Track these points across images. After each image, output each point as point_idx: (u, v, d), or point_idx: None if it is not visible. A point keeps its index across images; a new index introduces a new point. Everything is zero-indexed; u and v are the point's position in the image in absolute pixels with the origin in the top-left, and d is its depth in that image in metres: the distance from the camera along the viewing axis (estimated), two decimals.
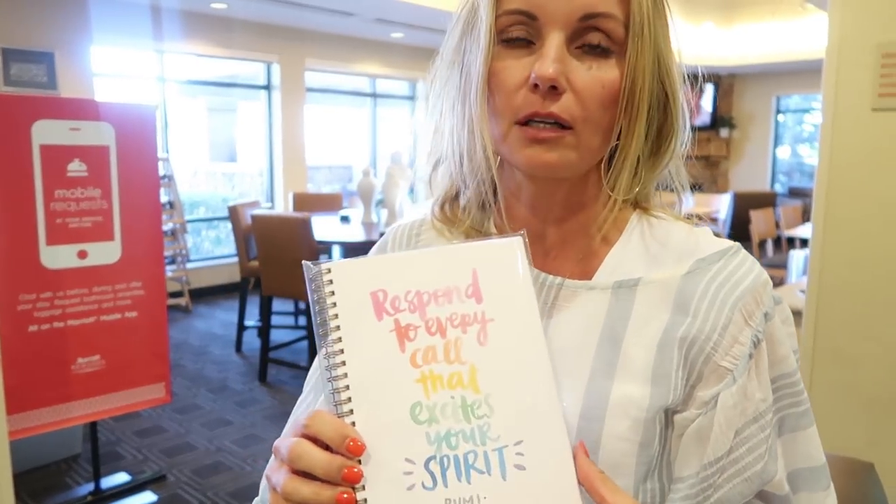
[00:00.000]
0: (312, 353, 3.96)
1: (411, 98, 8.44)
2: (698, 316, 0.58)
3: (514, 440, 0.47)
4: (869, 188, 2.09)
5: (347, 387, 0.48)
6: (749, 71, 9.94)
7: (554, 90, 0.55)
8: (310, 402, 0.71)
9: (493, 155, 0.60)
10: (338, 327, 0.49)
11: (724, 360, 0.57)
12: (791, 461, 0.60)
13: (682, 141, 0.64)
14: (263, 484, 0.69)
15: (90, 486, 2.76)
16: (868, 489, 1.08)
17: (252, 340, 4.86)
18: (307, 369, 4.12)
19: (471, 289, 0.50)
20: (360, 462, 0.47)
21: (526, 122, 0.57)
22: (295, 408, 0.73)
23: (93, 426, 2.72)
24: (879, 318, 2.08)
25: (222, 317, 5.78)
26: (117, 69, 5.89)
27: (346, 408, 0.48)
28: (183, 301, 5.92)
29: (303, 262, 0.51)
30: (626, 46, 0.56)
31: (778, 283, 5.57)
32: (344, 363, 0.49)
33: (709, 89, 10.27)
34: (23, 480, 2.81)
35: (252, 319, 4.94)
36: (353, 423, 0.48)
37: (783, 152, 10.65)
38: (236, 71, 7.17)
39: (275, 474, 0.48)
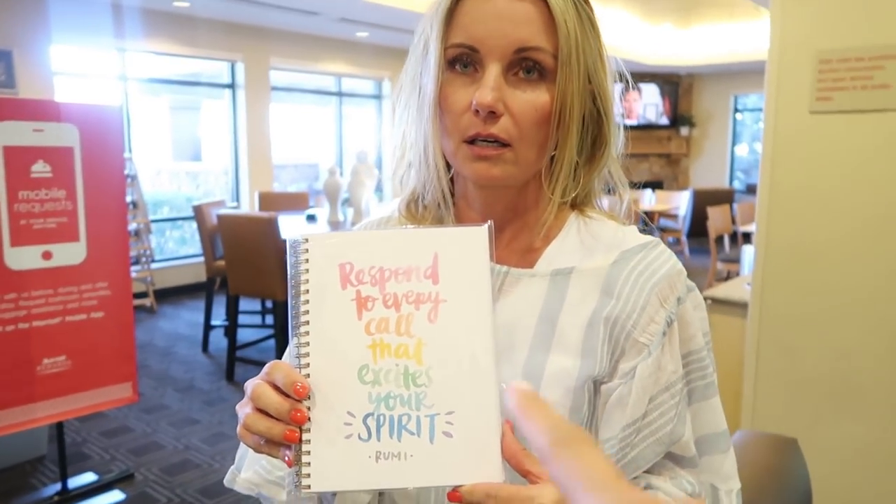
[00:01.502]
0: (280, 351, 4.00)
1: (377, 97, 8.47)
2: (621, 298, 0.67)
3: (445, 410, 0.54)
4: (808, 187, 2.22)
5: (308, 343, 0.55)
6: (707, 70, 10.20)
7: (493, 114, 0.64)
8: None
9: (444, 168, 0.70)
10: (307, 290, 0.56)
11: (641, 337, 0.66)
12: (698, 428, 0.70)
13: (617, 148, 0.73)
14: (240, 452, 0.76)
15: (57, 487, 2.77)
16: (791, 461, 1.19)
17: (218, 340, 4.87)
18: None
19: (430, 270, 0.56)
20: (308, 409, 0.54)
21: (472, 141, 0.65)
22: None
23: (59, 426, 2.73)
24: (817, 310, 2.21)
25: (187, 317, 5.76)
26: (78, 68, 5.82)
27: (304, 361, 0.55)
28: (148, 301, 5.89)
29: (286, 237, 0.58)
30: (556, 73, 0.64)
31: (734, 276, 5.77)
32: (308, 322, 0.56)
33: (668, 89, 10.51)
34: None
35: (218, 319, 4.94)
36: (308, 375, 0.55)
37: (741, 150, 10.95)
38: (199, 69, 7.12)
39: (241, 409, 0.57)
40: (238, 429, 0.58)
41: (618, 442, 0.65)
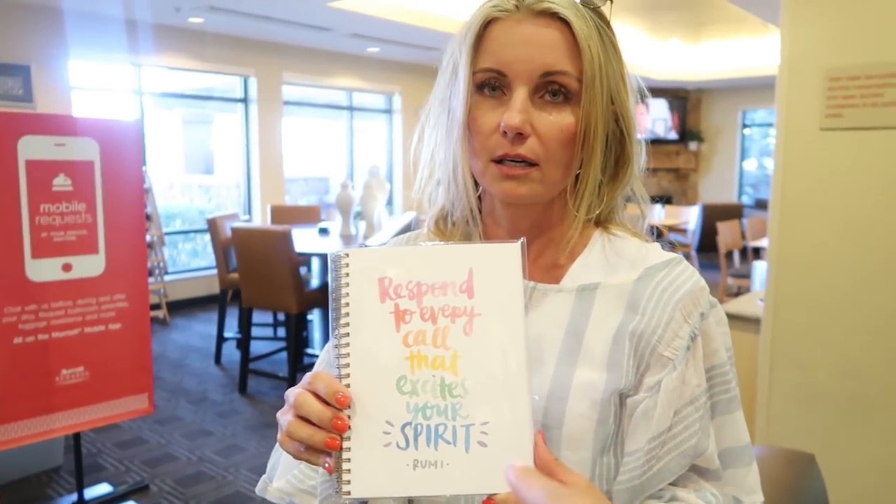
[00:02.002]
0: (292, 363, 4.02)
1: (387, 111, 8.54)
2: (646, 314, 0.70)
3: (481, 420, 0.56)
4: (820, 203, 2.24)
5: (348, 354, 0.58)
6: (716, 86, 10.24)
7: (520, 136, 0.67)
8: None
9: (472, 186, 0.73)
10: (347, 304, 0.59)
11: (666, 351, 0.68)
12: (721, 441, 0.72)
13: (639, 167, 0.75)
14: (271, 462, 0.79)
15: (73, 497, 2.79)
16: (809, 477, 1.20)
17: (231, 352, 4.90)
18: (287, 380, 4.17)
19: (465, 285, 0.58)
20: (348, 417, 0.56)
21: (499, 161, 0.68)
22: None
23: (76, 437, 2.75)
24: (830, 326, 2.22)
25: (200, 329, 5.80)
26: (94, 82, 5.91)
27: (344, 371, 0.58)
28: (161, 313, 5.93)
29: (328, 251, 0.60)
30: (580, 96, 0.67)
31: (744, 292, 5.76)
32: (348, 334, 0.58)
33: (677, 104, 10.54)
34: (5, 492, 2.83)
35: (230, 331, 4.97)
36: (348, 385, 0.57)
37: (750, 165, 10.95)
38: (212, 84, 7.21)
39: (283, 416, 0.59)
40: (279, 435, 0.60)
41: (644, 454, 0.67)
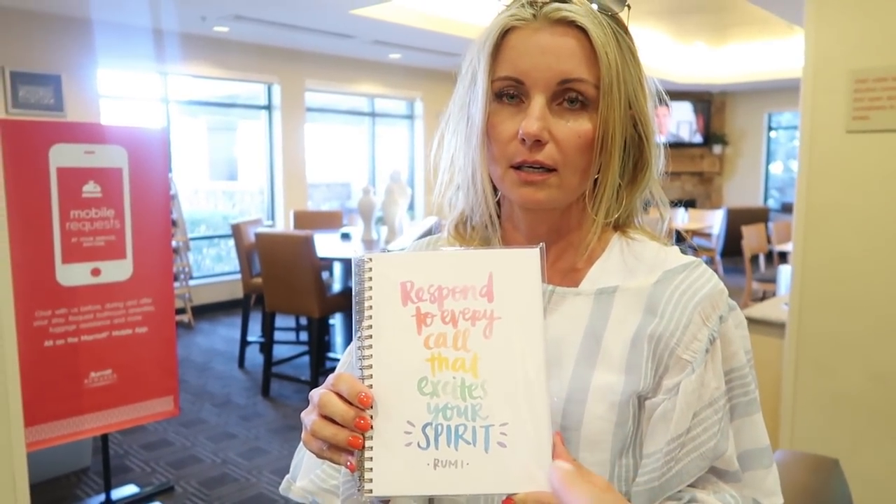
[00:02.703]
0: (314, 368, 4.05)
1: (409, 117, 8.58)
2: (665, 317, 0.70)
3: (500, 421, 0.57)
4: (845, 206, 2.21)
5: (371, 356, 0.59)
6: (740, 89, 10.13)
7: (538, 143, 0.67)
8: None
9: (491, 192, 0.74)
10: (370, 307, 0.60)
11: (685, 354, 0.69)
12: (740, 443, 0.71)
13: (658, 170, 0.76)
14: (294, 462, 0.80)
15: (101, 498, 2.84)
16: (833, 482, 1.18)
17: (254, 356, 4.95)
18: (309, 383, 4.20)
19: (485, 289, 0.59)
20: (371, 417, 0.57)
21: (518, 167, 0.69)
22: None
23: (104, 439, 2.81)
24: (856, 330, 2.19)
25: (224, 333, 5.87)
26: (122, 91, 6.03)
27: (367, 372, 0.59)
28: (185, 318, 6.01)
29: (352, 255, 0.62)
30: (598, 102, 0.68)
31: (769, 296, 5.68)
32: (371, 337, 0.60)
33: (701, 107, 10.45)
34: (34, 492, 2.88)
35: (254, 335, 5.03)
36: (371, 386, 0.58)
37: (776, 168, 10.80)
38: (237, 91, 7.31)
39: (307, 416, 0.60)
40: (303, 435, 0.62)
41: (663, 456, 0.67)
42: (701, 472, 0.68)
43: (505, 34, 0.69)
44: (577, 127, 0.68)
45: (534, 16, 0.68)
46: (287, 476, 0.80)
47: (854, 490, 1.27)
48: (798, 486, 1.11)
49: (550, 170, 0.68)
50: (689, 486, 0.69)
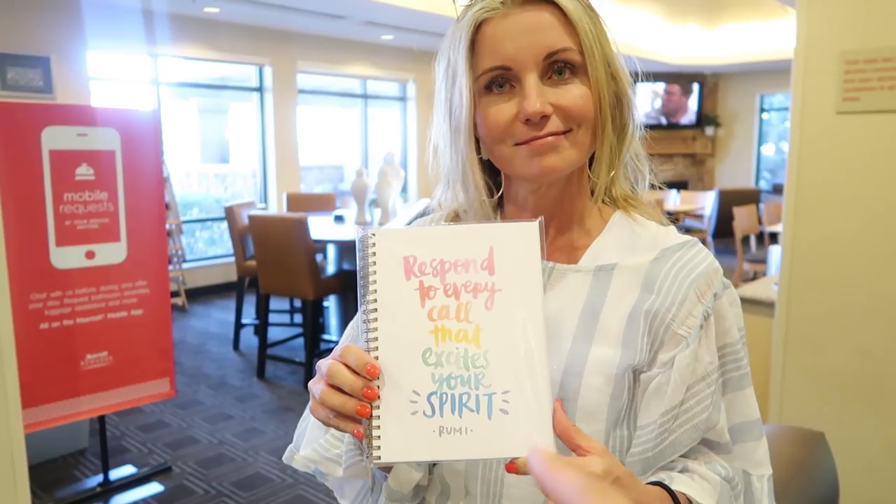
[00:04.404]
0: (308, 350, 4.08)
1: (401, 99, 8.55)
2: (661, 293, 0.72)
3: (502, 389, 0.59)
4: (835, 187, 2.23)
5: (376, 329, 0.61)
6: (733, 70, 10.13)
7: (544, 118, 0.69)
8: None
9: (484, 189, 0.75)
10: (375, 282, 0.62)
11: (680, 329, 0.71)
12: (732, 416, 0.74)
13: (637, 127, 0.78)
14: (297, 433, 0.82)
15: (99, 478, 2.87)
16: (818, 455, 1.22)
17: (248, 338, 4.97)
18: (304, 365, 4.23)
19: (486, 262, 0.61)
20: (377, 387, 0.59)
21: (527, 142, 0.70)
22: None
23: (101, 420, 2.83)
24: (844, 309, 2.22)
25: (218, 315, 5.88)
26: (112, 73, 5.97)
27: (373, 345, 0.61)
28: (179, 301, 6.02)
29: (354, 224, 0.63)
30: (585, 66, 0.70)
31: (760, 276, 5.74)
32: (376, 310, 0.61)
33: (694, 88, 10.45)
34: (33, 473, 2.90)
35: (248, 318, 5.04)
36: (377, 357, 0.60)
37: (768, 149, 10.84)
38: (228, 73, 7.25)
39: (315, 385, 0.62)
40: (311, 403, 0.63)
41: (656, 427, 0.70)
42: (693, 443, 0.70)
43: (478, 28, 0.71)
44: (575, 91, 0.70)
45: (502, 3, 0.70)
46: (290, 446, 0.82)
47: (839, 462, 1.31)
48: (784, 458, 1.14)
49: (563, 132, 0.69)
50: (681, 456, 0.71)
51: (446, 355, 0.60)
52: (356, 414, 0.59)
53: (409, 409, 0.59)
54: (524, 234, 0.61)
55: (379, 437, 0.59)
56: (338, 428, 0.61)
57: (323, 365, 0.62)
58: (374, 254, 0.62)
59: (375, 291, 0.62)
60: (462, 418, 0.59)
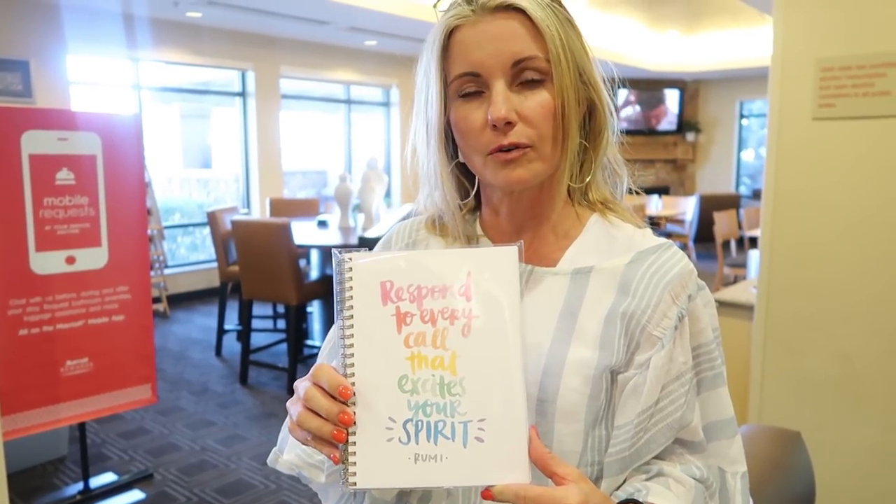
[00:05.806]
0: (292, 355, 4.06)
1: (385, 104, 8.56)
2: (637, 296, 0.73)
3: (478, 417, 0.59)
4: (812, 192, 2.27)
5: (353, 354, 0.61)
6: (713, 77, 10.26)
7: (509, 125, 0.70)
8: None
9: (453, 191, 0.77)
10: (351, 307, 0.62)
11: (655, 331, 0.72)
12: (706, 415, 0.76)
13: (613, 130, 0.79)
14: (282, 435, 0.83)
15: (79, 486, 2.83)
16: (795, 454, 1.24)
17: (231, 344, 4.94)
18: (287, 371, 4.21)
19: (463, 288, 0.61)
20: (354, 412, 0.60)
21: (495, 152, 0.71)
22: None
23: (81, 427, 2.80)
24: (821, 312, 2.26)
25: (200, 321, 5.84)
26: (92, 77, 5.92)
27: (349, 371, 0.61)
28: (161, 307, 5.97)
29: (332, 249, 0.64)
30: (551, 74, 0.71)
31: (740, 281, 5.80)
32: (353, 335, 0.61)
33: (675, 94, 10.57)
34: (11, 482, 2.86)
35: (231, 323, 5.01)
36: (353, 383, 0.60)
37: (747, 155, 10.98)
38: (210, 78, 7.22)
39: (293, 407, 0.63)
40: (289, 423, 0.64)
41: (633, 427, 0.71)
42: (668, 441, 0.72)
43: (450, 35, 0.72)
44: (539, 99, 0.71)
45: (473, 11, 0.71)
46: (274, 448, 0.83)
47: (817, 463, 1.33)
48: (761, 457, 1.16)
49: (527, 147, 0.71)
50: (657, 457, 0.73)
51: (422, 382, 0.60)
52: (332, 439, 0.59)
53: (384, 435, 0.60)
54: (502, 259, 0.62)
55: (355, 462, 0.59)
56: (316, 449, 0.61)
57: (300, 387, 0.62)
58: (351, 278, 0.62)
59: (352, 317, 0.62)
60: (437, 446, 0.59)
